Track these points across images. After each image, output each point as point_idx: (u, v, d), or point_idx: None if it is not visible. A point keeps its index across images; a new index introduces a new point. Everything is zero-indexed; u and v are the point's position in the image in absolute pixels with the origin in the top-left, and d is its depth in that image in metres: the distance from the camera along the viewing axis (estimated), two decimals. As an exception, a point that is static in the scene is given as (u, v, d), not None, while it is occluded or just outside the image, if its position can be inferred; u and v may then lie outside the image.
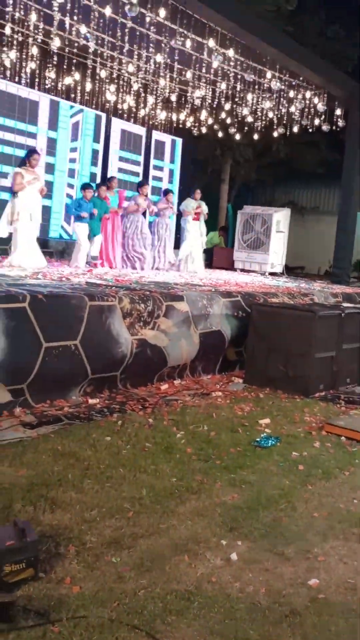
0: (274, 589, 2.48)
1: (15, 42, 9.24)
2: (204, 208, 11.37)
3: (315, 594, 2.47)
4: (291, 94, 11.29)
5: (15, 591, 2.29)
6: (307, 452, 4.19)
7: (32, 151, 8.48)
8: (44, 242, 9.84)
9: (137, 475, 3.49)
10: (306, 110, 11.77)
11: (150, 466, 3.64)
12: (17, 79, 10.31)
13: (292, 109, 11.78)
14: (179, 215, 11.73)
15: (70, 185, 12.31)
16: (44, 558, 2.51)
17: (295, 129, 12.33)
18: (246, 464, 3.86)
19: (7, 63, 9.93)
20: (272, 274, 13.90)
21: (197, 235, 11.33)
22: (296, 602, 2.40)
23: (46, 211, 10.81)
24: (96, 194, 9.74)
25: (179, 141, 14.79)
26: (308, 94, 11.36)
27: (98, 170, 12.78)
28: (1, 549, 2.33)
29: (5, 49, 9.46)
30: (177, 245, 11.94)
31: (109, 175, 11.92)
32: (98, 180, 12.31)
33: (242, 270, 14.06)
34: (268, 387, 6.01)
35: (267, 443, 4.25)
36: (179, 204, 12.13)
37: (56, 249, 11.44)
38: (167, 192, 11.52)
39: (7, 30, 8.70)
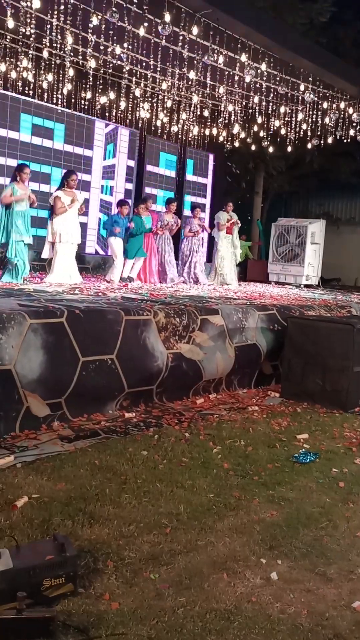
0: (316, 610, 2.42)
1: (52, 64, 9.49)
2: (236, 220, 11.39)
3: (359, 617, 2.40)
4: (325, 104, 11.25)
5: (54, 606, 2.30)
6: (347, 468, 4.10)
7: (70, 172, 8.64)
8: (80, 258, 9.99)
9: (174, 491, 3.47)
10: (340, 120, 11.70)
11: (187, 481, 3.62)
12: (54, 100, 10.56)
13: (327, 119, 11.73)
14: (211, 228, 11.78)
15: (107, 203, 12.50)
16: (82, 573, 2.51)
17: (330, 140, 12.26)
18: (284, 480, 3.80)
19: (45, 85, 10.19)
20: (307, 286, 13.78)
21: (229, 248, 11.33)
22: (340, 626, 2.33)
23: (82, 228, 11.01)
24: (135, 212, 9.86)
25: (212, 156, 14.88)
26: (342, 105, 11.29)
27: (132, 187, 12.95)
28: (41, 563, 2.34)
29: (42, 71, 9.71)
30: (209, 259, 11.99)
31: (143, 194, 12.07)
32: (133, 196, 12.47)
33: (277, 282, 13.98)
34: (305, 402, 5.92)
35: (305, 459, 4.18)
36: (212, 220, 12.20)
37: (92, 265, 11.61)
38: (193, 207, 11.54)
39: (45, 54, 8.94)
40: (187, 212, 13.16)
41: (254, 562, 2.76)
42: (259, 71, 9.49)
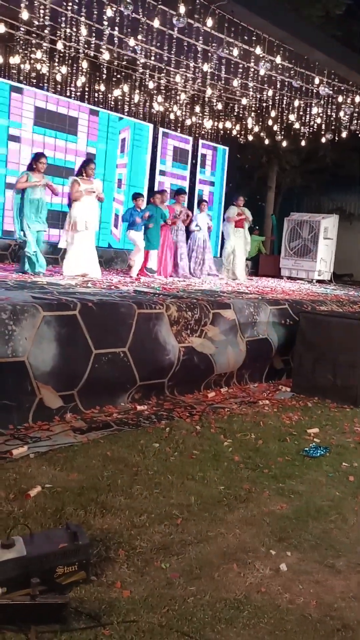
0: (324, 602, 2.45)
1: (66, 56, 9.49)
2: (248, 215, 11.33)
3: (367, 609, 2.42)
4: (340, 99, 11.17)
5: (67, 593, 2.34)
6: (357, 463, 4.12)
7: (88, 160, 8.64)
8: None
9: (185, 482, 3.50)
10: (355, 114, 11.60)
11: (198, 473, 3.65)
12: (68, 93, 10.57)
13: (341, 113, 11.64)
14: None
15: (118, 200, 12.52)
16: (95, 561, 2.55)
17: (344, 134, 12.17)
18: (295, 473, 3.82)
19: (58, 77, 10.20)
20: (319, 281, 13.73)
21: (239, 242, 11.29)
22: (348, 617, 2.36)
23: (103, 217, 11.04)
24: (151, 201, 9.84)
25: (225, 150, 14.83)
26: (358, 98, 11.20)
27: (146, 180, 12.95)
28: (54, 551, 2.39)
29: (56, 64, 9.72)
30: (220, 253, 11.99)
31: (157, 187, 12.04)
32: (146, 189, 12.47)
33: (289, 277, 13.94)
34: (316, 396, 5.93)
35: (316, 453, 4.20)
36: (224, 212, 12.16)
37: (105, 258, 11.64)
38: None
39: (60, 46, 8.94)
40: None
41: (264, 553, 2.79)
42: (273, 64, 9.43)
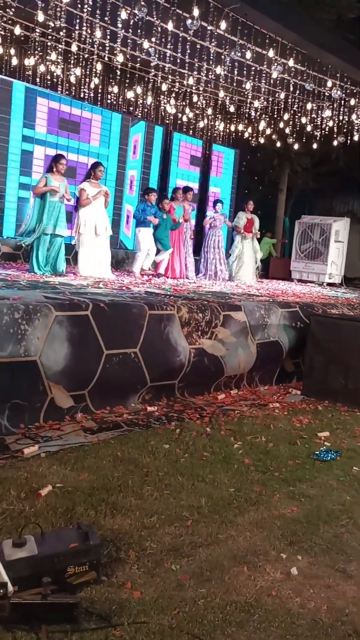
0: (336, 606, 2.44)
1: (80, 58, 9.54)
2: (256, 224, 11.25)
3: (379, 614, 2.40)
4: (352, 101, 11.14)
5: (78, 593, 2.34)
6: (368, 467, 4.09)
7: (97, 163, 8.67)
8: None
9: (195, 484, 3.50)
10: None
11: (209, 475, 3.65)
12: (82, 95, 10.61)
13: (353, 116, 11.61)
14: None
15: (130, 197, 12.55)
16: (105, 562, 2.55)
17: (356, 137, 12.13)
18: (305, 477, 3.81)
19: (72, 79, 10.25)
20: (330, 284, 13.69)
21: (247, 247, 11.24)
22: (359, 622, 2.34)
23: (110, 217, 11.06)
24: (160, 207, 9.83)
25: (237, 152, 14.83)
26: (370, 102, 11.18)
27: (157, 182, 12.97)
28: (65, 550, 2.39)
29: (71, 66, 9.77)
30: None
31: (169, 189, 12.03)
32: (155, 188, 12.47)
33: (300, 280, 13.90)
34: (327, 400, 5.90)
35: (326, 456, 4.18)
36: (235, 214, 12.14)
37: (116, 259, 11.67)
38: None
39: (74, 48, 8.99)
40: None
41: (274, 556, 2.78)
42: (285, 67, 9.43)
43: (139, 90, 11.15)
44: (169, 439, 4.24)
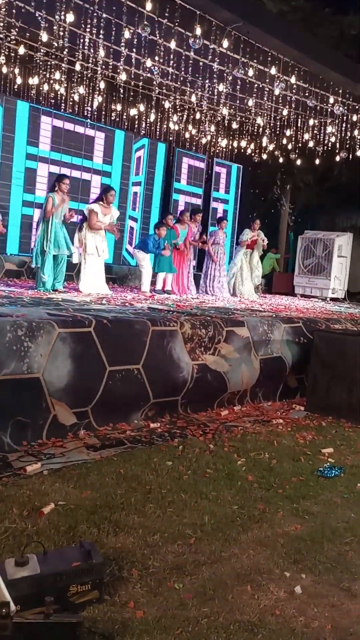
0: (340, 626, 2.41)
1: (83, 76, 9.67)
2: (263, 237, 11.28)
3: (384, 634, 2.38)
4: (354, 117, 11.23)
5: (80, 612, 2.33)
6: (372, 484, 4.07)
7: (108, 187, 8.69)
8: (107, 268, 10.09)
9: (198, 502, 3.48)
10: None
11: (212, 492, 3.63)
12: (85, 113, 10.74)
13: (355, 132, 11.70)
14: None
15: (132, 218, 12.64)
16: (108, 581, 2.54)
17: (359, 153, 12.21)
18: (309, 494, 3.79)
19: (76, 97, 10.38)
20: (333, 299, 13.69)
21: (246, 263, 11.25)
22: (364, 641, 2.32)
23: (110, 238, 11.16)
24: (166, 224, 9.86)
25: (240, 168, 14.94)
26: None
27: (160, 198, 13.06)
28: (68, 569, 2.38)
29: (74, 84, 9.90)
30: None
31: (171, 205, 12.08)
32: (160, 208, 12.56)
33: (303, 295, 13.91)
34: (330, 416, 5.88)
35: (330, 473, 4.16)
36: (239, 231, 12.19)
37: (119, 275, 11.73)
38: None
39: (78, 67, 9.11)
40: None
41: (278, 575, 2.76)
42: (288, 84, 9.53)
43: (142, 107, 11.27)
44: (172, 456, 4.23)
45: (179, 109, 11.69)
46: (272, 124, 12.05)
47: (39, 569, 2.35)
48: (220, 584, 2.63)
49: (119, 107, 11.12)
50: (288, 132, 12.21)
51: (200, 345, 5.68)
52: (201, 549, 2.93)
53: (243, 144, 13.44)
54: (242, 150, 13.76)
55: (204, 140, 13.15)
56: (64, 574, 2.36)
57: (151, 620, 2.31)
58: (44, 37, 8.04)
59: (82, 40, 8.38)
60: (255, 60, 8.92)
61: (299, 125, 12.06)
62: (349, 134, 11.78)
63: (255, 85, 9.84)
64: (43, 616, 2.17)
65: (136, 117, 11.60)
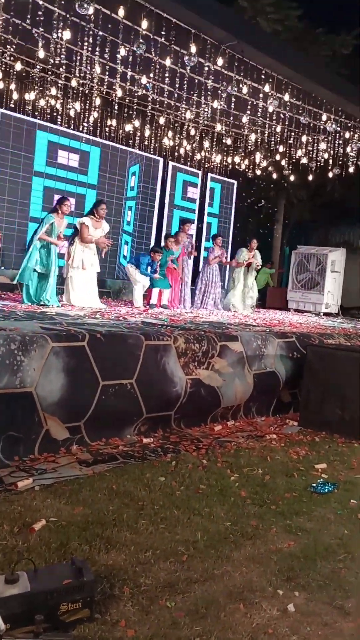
0: (333, 644, 2.39)
1: (79, 93, 9.76)
2: (258, 259, 11.30)
3: (377, 653, 2.36)
4: (347, 134, 11.36)
5: (71, 631, 2.30)
6: (366, 500, 4.06)
7: (99, 201, 8.71)
8: (100, 282, 10.10)
9: (191, 518, 3.46)
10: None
11: (205, 509, 3.61)
12: (81, 128, 10.82)
13: (348, 149, 11.83)
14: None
15: (127, 232, 12.68)
16: (99, 599, 2.51)
17: (351, 169, 12.34)
18: (302, 510, 3.77)
19: (72, 113, 10.46)
20: (326, 314, 13.73)
21: (239, 275, 11.28)
22: (357, 661, 2.30)
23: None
24: (166, 246, 9.92)
25: (234, 184, 15.05)
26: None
27: (155, 213, 13.13)
28: (58, 587, 2.35)
29: (70, 100, 9.98)
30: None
31: (165, 220, 12.11)
32: (155, 219, 12.62)
33: (296, 310, 13.95)
34: (324, 431, 5.87)
35: (324, 489, 4.14)
36: (233, 247, 12.22)
37: (113, 289, 11.73)
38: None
39: (74, 83, 9.20)
40: (207, 238, 13.27)
41: (271, 593, 2.74)
42: (281, 101, 9.64)
43: (137, 123, 11.36)
44: (165, 472, 4.21)
45: (173, 125, 11.79)
46: (266, 140, 12.17)
47: (29, 586, 2.32)
48: (213, 602, 2.60)
49: (114, 122, 11.21)
50: (281, 149, 12.33)
51: (194, 359, 5.68)
52: (193, 566, 2.91)
53: (237, 160, 13.56)
54: (236, 166, 13.88)
55: (198, 156, 13.25)
56: (54, 591, 2.34)
57: (142, 639, 2.29)
58: (41, 53, 8.11)
59: (78, 57, 8.46)
60: (248, 78, 9.02)
61: (292, 142, 12.18)
62: (341, 150, 11.91)
63: (249, 102, 9.94)
64: (33, 635, 2.15)
65: (131, 132, 11.69)
